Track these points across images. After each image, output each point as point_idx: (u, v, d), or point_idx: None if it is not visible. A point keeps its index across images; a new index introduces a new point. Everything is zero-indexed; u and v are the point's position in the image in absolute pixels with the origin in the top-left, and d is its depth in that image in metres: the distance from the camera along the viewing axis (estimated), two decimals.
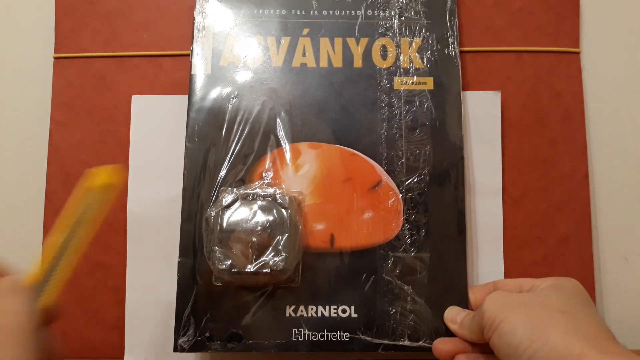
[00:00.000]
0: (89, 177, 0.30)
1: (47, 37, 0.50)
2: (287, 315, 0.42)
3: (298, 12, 0.47)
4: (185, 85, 0.46)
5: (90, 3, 0.50)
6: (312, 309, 0.42)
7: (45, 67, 0.50)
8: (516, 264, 0.47)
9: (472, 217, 0.47)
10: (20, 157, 0.51)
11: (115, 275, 0.46)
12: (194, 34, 0.47)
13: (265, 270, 0.40)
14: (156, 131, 0.48)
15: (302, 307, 0.42)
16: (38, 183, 0.48)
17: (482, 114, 0.48)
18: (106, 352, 0.46)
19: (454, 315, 0.41)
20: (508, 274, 0.47)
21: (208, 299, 0.42)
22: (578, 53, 0.50)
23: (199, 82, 0.45)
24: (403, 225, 0.43)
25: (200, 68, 0.46)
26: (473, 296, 0.42)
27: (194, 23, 0.47)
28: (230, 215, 0.41)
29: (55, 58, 0.49)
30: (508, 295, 0.36)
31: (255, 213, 0.41)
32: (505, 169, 0.48)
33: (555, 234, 0.47)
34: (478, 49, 0.49)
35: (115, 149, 0.48)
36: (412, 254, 0.43)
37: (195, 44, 0.46)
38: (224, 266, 0.40)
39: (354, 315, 0.42)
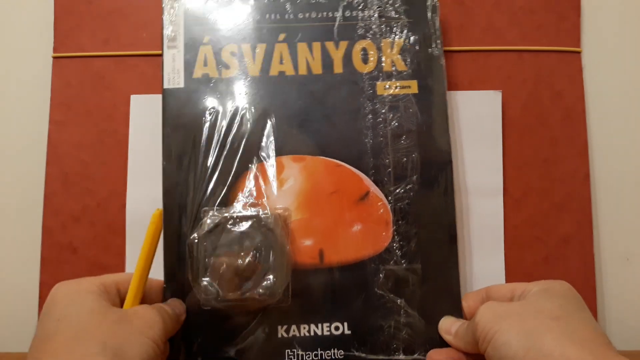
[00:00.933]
0: (155, 219, 0.37)
1: (46, 36, 0.46)
2: (279, 336, 0.38)
3: (272, 16, 0.42)
4: None
5: (90, 3, 0.46)
6: (304, 328, 0.39)
7: (44, 66, 0.47)
8: (517, 265, 0.44)
9: (473, 217, 0.44)
10: (19, 157, 0.48)
11: None
12: (163, 45, 0.42)
13: (253, 297, 0.37)
14: (155, 131, 0.42)
15: (294, 327, 0.39)
16: (37, 183, 0.45)
17: (482, 113, 0.45)
18: None
19: (448, 326, 0.38)
20: (509, 274, 0.44)
21: (198, 323, 0.38)
22: (579, 52, 0.47)
23: (172, 96, 0.41)
24: (393, 236, 0.40)
25: (172, 81, 0.41)
26: (466, 304, 0.39)
27: (162, 34, 0.42)
28: (214, 240, 0.37)
29: (54, 58, 0.46)
30: (500, 305, 0.33)
31: (239, 237, 0.37)
32: (506, 169, 0.45)
33: (556, 234, 0.45)
34: (479, 48, 0.46)
35: (114, 148, 0.45)
36: (404, 265, 0.39)
37: (165, 56, 0.41)
38: (210, 296, 0.36)
39: (347, 331, 0.39)
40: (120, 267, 0.44)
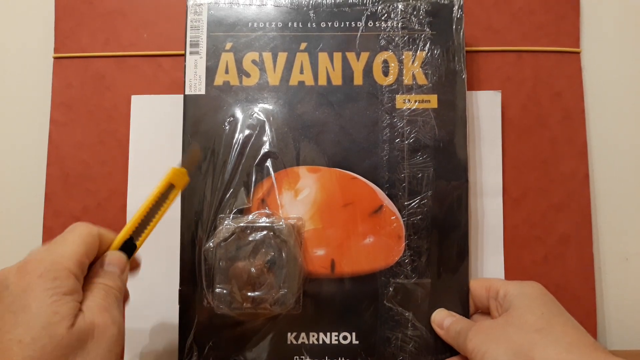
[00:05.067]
0: (170, 175, 0.35)
1: (47, 37, 0.46)
2: (289, 342, 0.38)
3: (295, 24, 0.41)
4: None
5: (90, 3, 0.46)
6: (313, 335, 0.39)
7: (44, 67, 0.46)
8: (516, 264, 0.43)
9: (472, 217, 0.42)
10: (20, 157, 0.47)
11: None
12: (186, 51, 0.41)
13: (265, 306, 0.37)
14: (156, 131, 0.44)
15: (303, 334, 0.38)
16: (38, 183, 0.45)
17: (482, 114, 0.44)
18: None
19: (440, 320, 0.38)
20: (508, 274, 0.43)
21: (210, 327, 0.38)
22: (578, 53, 0.46)
23: (193, 103, 0.40)
24: (404, 250, 0.39)
25: (193, 88, 0.41)
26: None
27: (185, 40, 0.41)
28: (229, 248, 0.37)
29: (55, 58, 0.45)
30: (488, 326, 0.34)
31: (253, 247, 0.37)
32: (505, 169, 0.44)
33: (555, 234, 0.44)
34: (478, 48, 0.45)
35: (115, 149, 0.44)
36: (413, 280, 0.39)
37: (187, 62, 0.41)
38: (223, 303, 0.37)
39: (355, 342, 0.39)
40: None
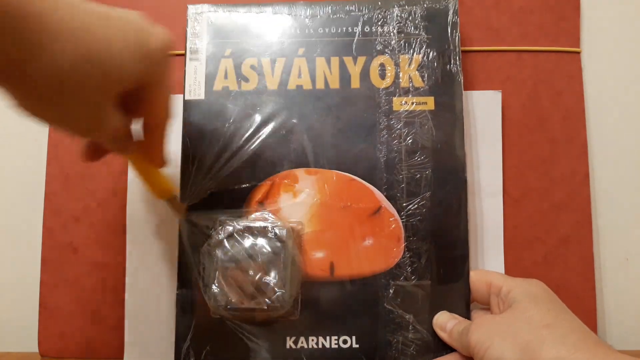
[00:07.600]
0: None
1: None
2: (288, 347, 0.37)
3: (293, 30, 0.41)
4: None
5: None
6: (312, 340, 0.37)
7: None
8: (516, 264, 0.42)
9: (472, 217, 0.42)
10: (19, 157, 0.46)
11: (115, 275, 0.42)
12: (186, 57, 0.40)
13: (262, 307, 0.36)
14: None
15: (302, 339, 0.37)
16: (37, 183, 0.44)
17: (482, 113, 0.43)
18: (106, 352, 0.42)
19: (443, 323, 0.36)
20: (508, 274, 0.39)
21: (207, 331, 0.37)
22: (578, 53, 0.45)
23: (193, 108, 0.40)
24: (404, 252, 0.38)
25: (193, 93, 0.40)
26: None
27: (185, 47, 0.41)
28: (227, 250, 0.37)
29: None
30: (491, 320, 0.33)
31: (252, 248, 0.37)
32: (505, 168, 0.43)
33: (555, 234, 0.43)
34: (478, 48, 0.44)
35: None
36: (413, 282, 0.38)
37: (187, 68, 0.40)
38: (220, 304, 0.36)
39: (355, 345, 0.37)
40: (121, 268, 0.43)
